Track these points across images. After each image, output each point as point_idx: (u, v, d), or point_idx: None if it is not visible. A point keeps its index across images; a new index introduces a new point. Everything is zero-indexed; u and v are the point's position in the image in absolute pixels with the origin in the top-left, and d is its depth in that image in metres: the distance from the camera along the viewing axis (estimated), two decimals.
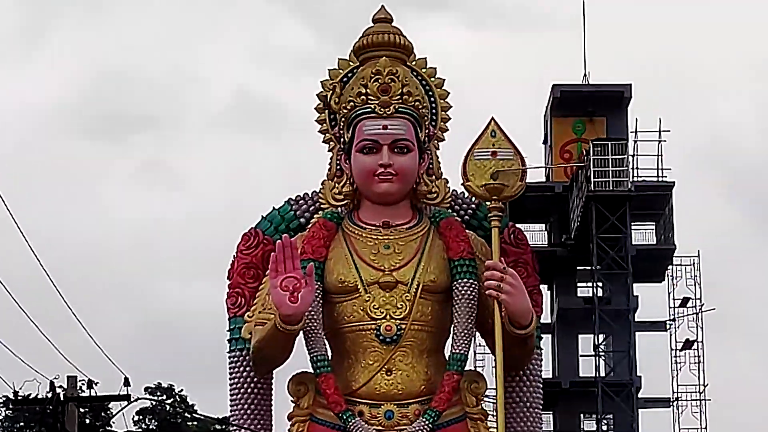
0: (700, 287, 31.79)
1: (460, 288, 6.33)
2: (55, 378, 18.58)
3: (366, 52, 6.53)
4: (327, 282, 6.36)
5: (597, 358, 30.46)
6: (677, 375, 31.49)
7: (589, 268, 31.10)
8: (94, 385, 19.27)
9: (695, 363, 31.36)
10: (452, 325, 6.36)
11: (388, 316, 6.29)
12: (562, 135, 32.57)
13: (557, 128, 32.60)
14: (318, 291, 6.27)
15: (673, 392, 31.50)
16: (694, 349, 31.56)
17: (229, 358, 6.58)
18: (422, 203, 6.59)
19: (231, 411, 6.60)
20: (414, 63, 6.62)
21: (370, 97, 6.42)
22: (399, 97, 6.42)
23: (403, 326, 6.28)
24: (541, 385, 6.70)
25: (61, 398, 18.56)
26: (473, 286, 6.32)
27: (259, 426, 6.53)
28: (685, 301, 31.89)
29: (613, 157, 30.29)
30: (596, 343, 30.45)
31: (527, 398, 6.60)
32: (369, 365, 6.29)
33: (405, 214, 6.52)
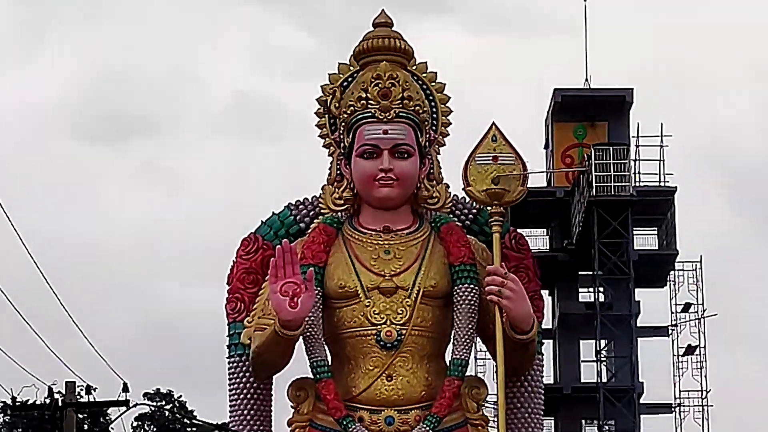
0: (702, 293, 31.78)
1: (460, 293, 6.31)
2: (54, 383, 18.57)
3: (366, 57, 6.51)
4: (327, 287, 6.34)
5: (598, 363, 30.44)
6: (679, 381, 31.48)
7: (591, 273, 31.08)
8: (92, 391, 19.26)
9: (697, 368, 31.34)
10: (453, 331, 6.34)
11: (388, 322, 6.27)
12: (563, 140, 32.57)
13: (558, 133, 32.59)
14: (318, 296, 6.25)
15: (676, 398, 31.48)
16: (696, 355, 31.54)
17: (229, 363, 6.56)
18: (423, 208, 6.57)
19: (230, 416, 6.58)
20: (414, 67, 6.60)
21: (370, 101, 6.40)
22: (399, 101, 6.40)
23: (404, 332, 6.26)
24: (543, 391, 6.67)
25: (60, 404, 18.54)
26: (474, 291, 6.30)
27: None
28: (687, 307, 31.87)
29: (615, 161, 30.28)
30: (598, 348, 30.42)
31: (528, 404, 6.58)
32: (369, 371, 6.28)
33: (405, 219, 6.50)
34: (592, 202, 30.00)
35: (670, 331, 31.89)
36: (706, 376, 31.28)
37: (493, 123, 6.44)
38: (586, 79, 32.89)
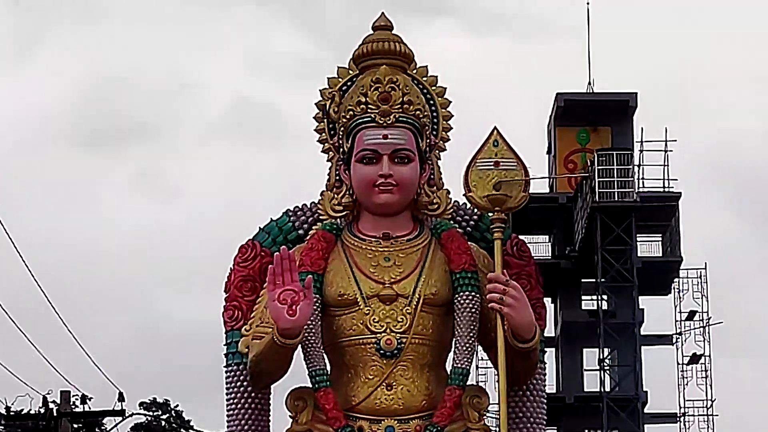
0: (707, 300, 31.78)
1: (461, 301, 6.24)
2: (49, 393, 18.56)
3: (366, 60, 6.45)
4: (326, 295, 6.27)
5: (602, 372, 30.40)
6: (684, 390, 31.46)
7: (594, 280, 31.07)
8: (88, 400, 19.24)
9: (702, 377, 31.32)
10: (454, 339, 6.28)
11: (388, 330, 6.20)
12: (566, 145, 32.57)
13: (561, 138, 32.59)
14: (317, 304, 6.19)
15: (680, 407, 31.44)
16: (701, 363, 31.52)
17: (226, 372, 6.50)
18: (423, 214, 6.50)
19: (228, 426, 6.51)
20: (415, 71, 6.53)
21: (369, 106, 6.33)
22: (399, 106, 6.34)
23: (404, 340, 6.20)
24: (545, 400, 6.60)
25: (55, 413, 18.52)
26: (475, 299, 6.23)
27: None
28: (691, 315, 31.84)
29: (619, 167, 30.27)
30: (601, 357, 30.38)
31: (531, 413, 6.51)
32: (369, 380, 6.21)
33: (405, 225, 6.44)
34: (595, 209, 29.98)
35: (674, 340, 31.88)
36: (711, 385, 31.27)
37: (495, 128, 6.37)
38: (589, 84, 32.90)
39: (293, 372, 6.29)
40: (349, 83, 6.49)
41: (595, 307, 31.07)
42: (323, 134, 6.55)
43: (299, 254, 6.30)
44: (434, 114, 6.53)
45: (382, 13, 6.57)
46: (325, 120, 6.52)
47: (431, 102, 6.53)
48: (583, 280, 31.93)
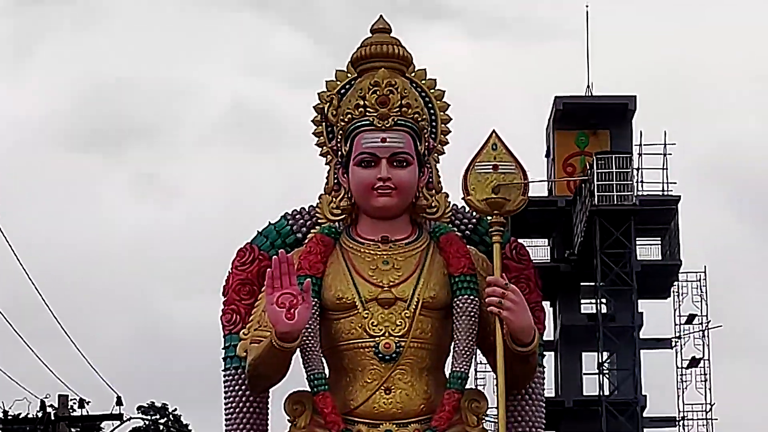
0: (707, 304, 31.71)
1: (460, 304, 6.22)
2: (46, 397, 18.55)
3: (364, 63, 6.43)
4: (324, 298, 6.26)
5: (601, 376, 30.34)
6: (683, 393, 31.39)
7: (593, 284, 31.02)
8: (85, 404, 19.22)
9: (701, 381, 31.25)
10: (452, 343, 6.26)
11: (386, 334, 6.19)
12: (565, 148, 32.53)
13: (560, 141, 32.55)
14: (315, 308, 6.17)
15: (679, 411, 31.38)
16: (701, 367, 31.46)
17: (224, 376, 6.48)
18: (422, 218, 6.49)
19: (226, 430, 6.48)
20: (413, 74, 6.52)
21: (368, 109, 6.32)
22: (398, 109, 6.32)
23: (403, 344, 6.18)
24: (544, 404, 6.59)
25: (52, 418, 18.51)
26: (474, 302, 6.21)
27: None
28: (691, 318, 31.79)
29: (617, 170, 30.23)
30: (600, 360, 30.33)
31: (529, 417, 6.49)
32: (367, 383, 6.19)
33: (404, 228, 6.42)
34: (594, 212, 29.93)
35: (673, 343, 31.81)
36: (710, 389, 31.21)
37: (494, 131, 6.36)
38: (588, 87, 32.85)
39: (291, 376, 6.28)
40: (347, 86, 6.48)
41: (594, 311, 31.04)
42: (322, 137, 6.54)
43: (298, 258, 6.28)
44: (433, 117, 6.52)
45: (381, 16, 6.56)
46: (324, 123, 6.51)
47: (430, 105, 6.51)
48: (582, 284, 31.89)
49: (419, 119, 6.38)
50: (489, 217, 6.30)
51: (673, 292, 32.01)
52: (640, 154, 31.46)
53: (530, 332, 6.13)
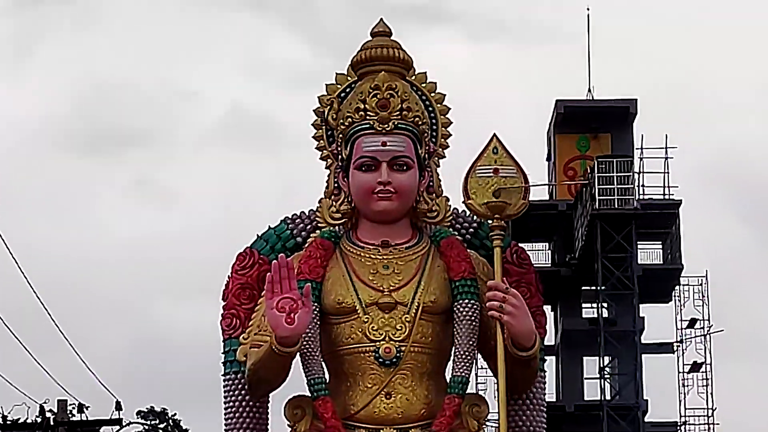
0: (708, 308, 31.68)
1: (461, 309, 6.20)
2: (45, 402, 18.50)
3: (364, 67, 6.40)
4: (324, 303, 6.23)
5: (602, 381, 30.31)
6: (685, 398, 31.35)
7: (594, 288, 30.98)
8: (85, 409, 19.18)
9: (703, 386, 31.22)
10: (453, 347, 6.23)
11: (387, 338, 6.16)
12: (565, 152, 32.51)
13: (561, 145, 32.54)
14: (315, 312, 6.14)
15: (681, 416, 31.34)
16: (702, 372, 31.42)
17: (224, 381, 6.46)
18: (422, 222, 6.47)
19: None
20: (414, 77, 6.49)
21: (368, 112, 6.30)
22: (398, 112, 6.30)
23: (403, 348, 6.16)
24: (545, 409, 6.56)
25: (51, 423, 18.47)
26: (475, 307, 6.19)
27: None
28: (692, 323, 31.76)
29: (619, 174, 30.20)
30: (601, 365, 30.30)
31: (530, 422, 6.46)
32: (368, 388, 6.17)
33: (404, 233, 6.40)
34: (595, 216, 29.91)
35: (675, 348, 31.77)
36: (712, 394, 31.17)
37: (494, 135, 6.34)
38: (589, 90, 32.83)
39: (291, 380, 6.26)
40: (347, 90, 6.45)
41: (595, 315, 30.99)
42: (321, 141, 6.51)
43: (297, 262, 6.26)
44: (433, 120, 6.50)
45: (381, 19, 6.53)
46: (324, 127, 6.49)
47: (430, 108, 6.49)
48: (583, 288, 31.87)
49: (420, 123, 6.35)
50: (490, 221, 6.28)
51: (675, 296, 32.00)
52: (641, 158, 31.45)
53: (531, 337, 6.10)
